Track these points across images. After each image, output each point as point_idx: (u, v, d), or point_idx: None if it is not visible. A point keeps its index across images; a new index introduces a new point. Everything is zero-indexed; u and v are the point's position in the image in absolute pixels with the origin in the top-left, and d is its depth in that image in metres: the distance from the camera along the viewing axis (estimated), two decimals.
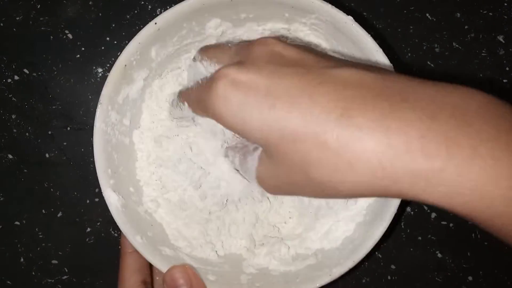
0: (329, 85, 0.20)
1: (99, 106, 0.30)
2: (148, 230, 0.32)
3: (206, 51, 0.28)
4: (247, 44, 0.24)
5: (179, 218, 0.34)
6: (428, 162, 0.18)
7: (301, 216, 0.35)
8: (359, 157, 0.19)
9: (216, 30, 0.33)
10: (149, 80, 0.34)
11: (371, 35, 0.30)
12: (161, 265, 0.30)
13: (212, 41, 0.34)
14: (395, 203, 0.29)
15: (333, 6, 0.30)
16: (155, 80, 0.34)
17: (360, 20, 0.31)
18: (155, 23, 0.30)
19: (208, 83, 0.23)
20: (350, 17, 0.30)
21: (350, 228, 0.32)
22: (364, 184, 0.20)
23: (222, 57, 0.26)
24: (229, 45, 0.27)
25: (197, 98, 0.25)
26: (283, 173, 0.22)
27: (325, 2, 0.30)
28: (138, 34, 0.31)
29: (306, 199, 0.34)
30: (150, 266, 0.33)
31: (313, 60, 0.22)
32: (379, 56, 0.30)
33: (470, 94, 0.20)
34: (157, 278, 0.34)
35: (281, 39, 0.23)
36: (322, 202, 0.33)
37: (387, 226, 0.29)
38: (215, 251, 0.33)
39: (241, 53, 0.24)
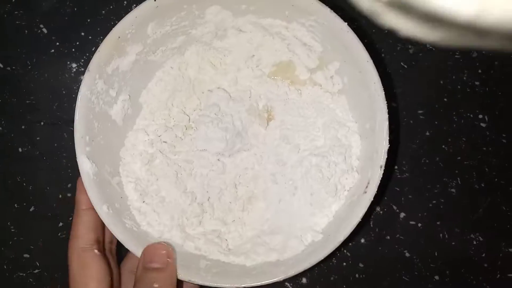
0: None
1: (86, 73, 0.31)
2: (116, 201, 0.32)
3: None
4: None
5: (149, 197, 0.34)
6: None
7: (277, 216, 0.35)
8: None
9: (216, 16, 0.34)
10: (142, 55, 0.34)
11: None
12: (123, 237, 0.30)
13: (212, 28, 0.35)
14: (359, 214, 0.30)
15: (332, 11, 0.31)
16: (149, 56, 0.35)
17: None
18: (154, 0, 0.31)
19: None
20: (345, 24, 0.31)
21: (315, 234, 0.33)
22: None
23: None
24: None
25: None
26: None
27: (324, 5, 0.31)
28: (136, 8, 0.31)
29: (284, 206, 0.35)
30: (103, 225, 0.34)
31: None
32: (369, 66, 0.31)
33: None
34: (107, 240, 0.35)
35: None
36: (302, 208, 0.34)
37: (347, 235, 0.30)
38: (179, 232, 0.34)
39: None
